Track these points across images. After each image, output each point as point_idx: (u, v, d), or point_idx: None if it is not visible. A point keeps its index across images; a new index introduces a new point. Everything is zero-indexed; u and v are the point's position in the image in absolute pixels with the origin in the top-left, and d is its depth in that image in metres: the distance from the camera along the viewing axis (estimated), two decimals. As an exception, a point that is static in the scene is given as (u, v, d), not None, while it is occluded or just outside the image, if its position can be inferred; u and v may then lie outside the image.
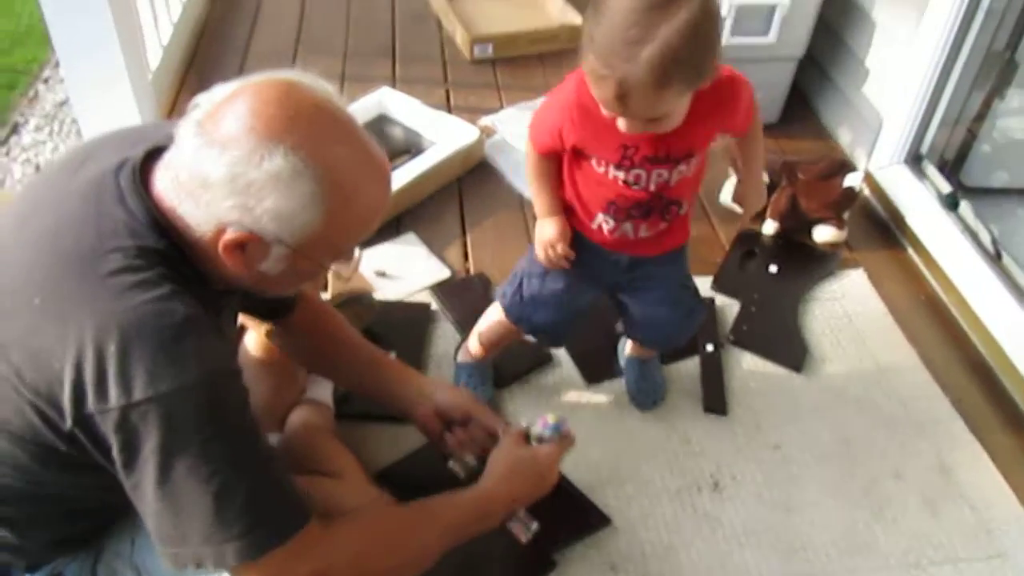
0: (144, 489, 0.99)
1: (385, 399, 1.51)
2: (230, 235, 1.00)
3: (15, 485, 1.09)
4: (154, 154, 1.07)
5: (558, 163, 1.46)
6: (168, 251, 1.02)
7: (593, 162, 1.38)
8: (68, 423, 0.97)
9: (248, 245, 1.02)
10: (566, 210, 1.50)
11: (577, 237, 1.51)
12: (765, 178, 2.31)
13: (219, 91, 1.03)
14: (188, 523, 0.99)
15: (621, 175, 1.37)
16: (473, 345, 1.79)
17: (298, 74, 1.06)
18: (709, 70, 1.18)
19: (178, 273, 1.02)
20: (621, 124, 1.25)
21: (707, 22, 1.13)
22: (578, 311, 1.68)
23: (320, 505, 1.14)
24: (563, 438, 1.39)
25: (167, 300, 0.98)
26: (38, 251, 1.02)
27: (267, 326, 1.50)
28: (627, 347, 1.87)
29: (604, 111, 1.25)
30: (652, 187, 1.39)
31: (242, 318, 1.48)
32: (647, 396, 1.84)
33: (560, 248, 1.50)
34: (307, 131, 0.99)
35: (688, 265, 1.64)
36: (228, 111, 0.99)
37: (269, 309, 1.44)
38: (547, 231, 1.51)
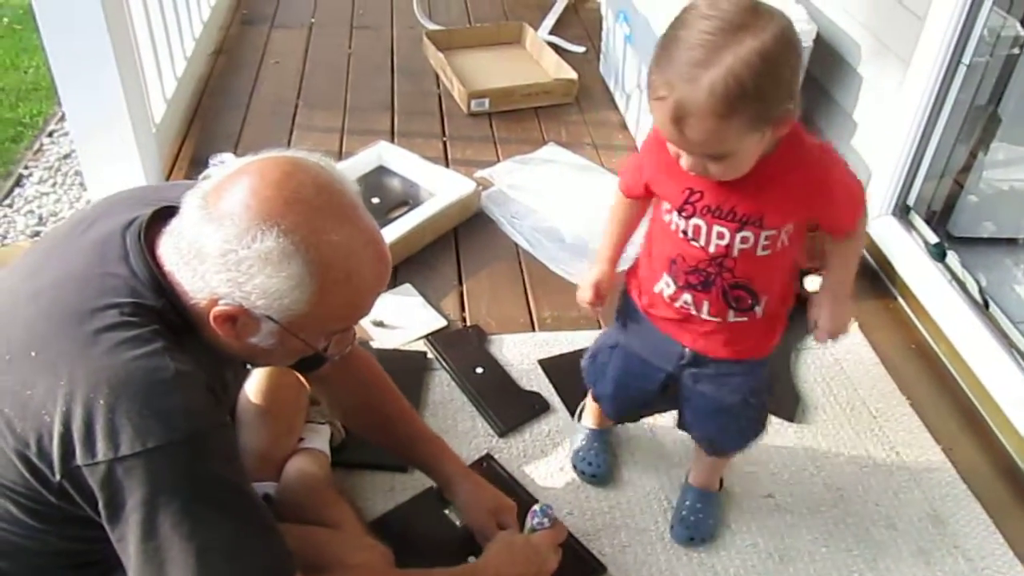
0: (128, 544, 1.00)
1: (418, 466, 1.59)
2: (220, 308, 1.03)
3: (11, 539, 1.09)
4: (163, 214, 1.10)
5: (635, 212, 1.45)
6: (165, 310, 1.05)
7: (663, 208, 1.33)
8: (57, 476, 0.98)
9: (238, 319, 1.04)
10: (637, 277, 1.47)
11: (642, 318, 1.47)
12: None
13: (229, 165, 1.07)
14: None
15: (681, 224, 1.29)
16: (591, 407, 1.75)
17: (306, 154, 1.09)
18: (778, 111, 1.10)
19: (173, 332, 1.04)
20: (683, 161, 1.18)
21: (782, 55, 1.06)
22: (642, 396, 1.58)
23: (316, 556, 1.15)
24: (556, 524, 1.48)
25: (158, 356, 1.00)
26: (39, 306, 1.04)
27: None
28: (690, 474, 1.72)
29: (667, 143, 1.18)
30: (711, 248, 1.28)
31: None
32: (691, 532, 1.65)
33: (585, 294, 1.48)
34: (303, 214, 1.01)
35: (764, 380, 1.49)
36: (230, 187, 1.02)
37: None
38: (585, 276, 1.50)
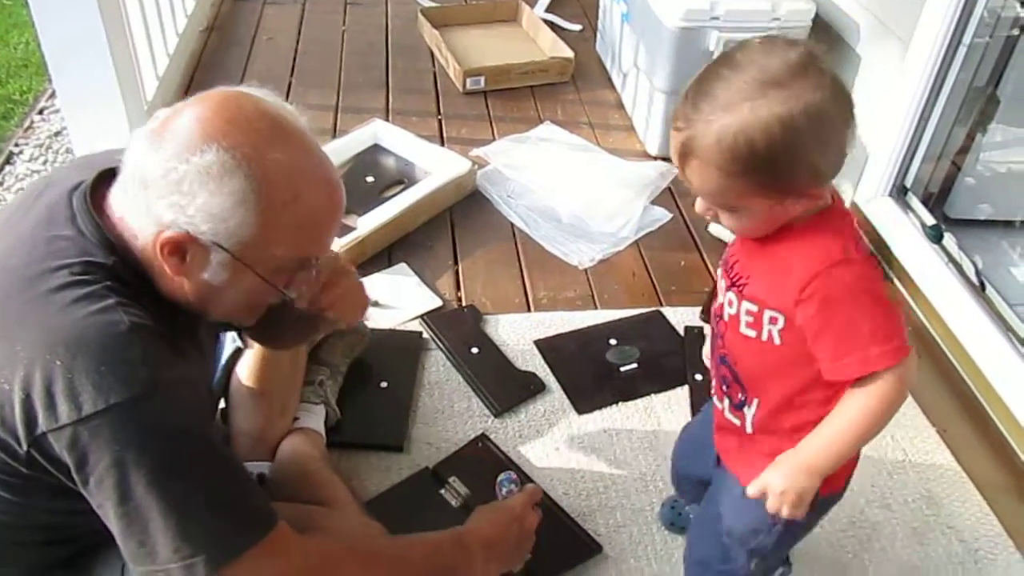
0: (107, 510, 0.99)
1: None
2: (167, 235, 1.00)
3: None
4: (110, 175, 1.09)
5: None
6: (116, 267, 1.03)
7: None
8: (24, 446, 0.96)
9: (188, 250, 1.02)
10: None
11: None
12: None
13: (177, 104, 1.05)
14: (154, 540, 0.99)
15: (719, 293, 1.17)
16: None
17: (255, 88, 1.08)
18: (794, 184, 0.98)
19: (127, 287, 1.02)
20: (696, 203, 1.09)
21: (811, 130, 0.94)
22: (694, 478, 1.46)
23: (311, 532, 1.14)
24: (525, 488, 1.51)
25: (111, 311, 0.98)
26: None
27: None
28: None
29: None
30: (725, 317, 1.15)
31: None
32: (675, 521, 1.64)
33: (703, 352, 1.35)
34: (244, 133, 1.00)
35: (756, 535, 1.24)
36: (174, 116, 1.02)
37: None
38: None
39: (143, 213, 1.02)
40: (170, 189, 0.99)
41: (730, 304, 1.13)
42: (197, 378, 1.08)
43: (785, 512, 1.07)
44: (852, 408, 1.04)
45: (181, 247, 1.02)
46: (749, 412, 1.17)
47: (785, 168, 0.96)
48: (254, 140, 1.00)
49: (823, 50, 0.99)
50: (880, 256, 2.44)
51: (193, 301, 1.10)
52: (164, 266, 1.03)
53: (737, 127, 0.94)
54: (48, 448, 0.96)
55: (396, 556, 1.26)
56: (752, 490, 1.09)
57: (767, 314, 1.08)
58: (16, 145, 3.11)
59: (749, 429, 1.19)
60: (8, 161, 3.03)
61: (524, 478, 1.68)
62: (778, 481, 1.06)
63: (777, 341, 1.08)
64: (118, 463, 0.95)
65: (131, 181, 1.02)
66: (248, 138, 1.00)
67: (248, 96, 1.05)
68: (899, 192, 2.48)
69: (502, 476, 1.57)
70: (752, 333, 1.10)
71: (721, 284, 1.17)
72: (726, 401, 1.21)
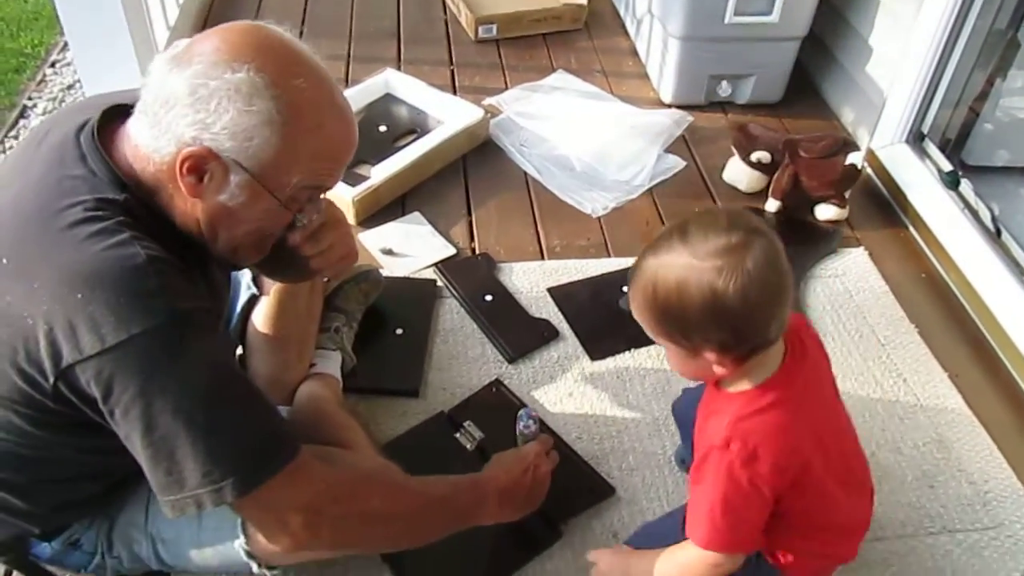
0: (134, 440, 1.00)
1: None
2: (188, 151, 1.01)
3: (15, 450, 1.11)
4: (116, 112, 1.10)
5: None
6: (129, 203, 1.04)
7: None
8: (50, 379, 0.98)
9: (207, 168, 1.03)
10: None
11: None
12: (765, 157, 2.34)
13: (199, 34, 1.07)
14: (182, 467, 1.00)
15: None
16: None
17: (271, 23, 1.09)
18: (681, 338, 1.09)
19: (140, 223, 1.03)
20: None
21: (699, 306, 1.03)
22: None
23: None
24: (541, 439, 1.54)
25: (126, 245, 0.99)
26: (3, 219, 1.04)
27: None
28: None
29: None
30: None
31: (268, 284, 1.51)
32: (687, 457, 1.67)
33: None
34: (273, 59, 1.02)
35: None
36: (198, 43, 1.03)
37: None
38: None
39: (163, 134, 1.03)
40: (196, 107, 1.00)
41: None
42: (213, 310, 1.09)
43: None
44: (676, 556, 1.22)
45: (201, 165, 1.03)
46: None
47: (675, 324, 1.07)
48: (282, 66, 1.02)
49: (764, 238, 1.04)
50: (895, 203, 2.43)
51: (205, 227, 1.11)
52: (180, 186, 1.04)
53: (652, 272, 1.06)
54: (74, 381, 0.98)
55: (416, 491, 1.29)
56: (591, 556, 1.35)
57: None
58: (29, 99, 3.12)
59: None
60: (22, 115, 3.04)
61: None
62: (603, 569, 1.31)
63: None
64: (143, 392, 0.97)
65: (152, 103, 1.03)
66: (276, 64, 1.02)
67: (272, 28, 1.07)
68: (916, 138, 2.46)
69: (521, 411, 1.59)
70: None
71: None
72: None
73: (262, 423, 1.08)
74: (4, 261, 1.00)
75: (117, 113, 1.10)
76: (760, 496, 1.13)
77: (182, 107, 1.00)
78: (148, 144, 1.04)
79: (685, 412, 1.52)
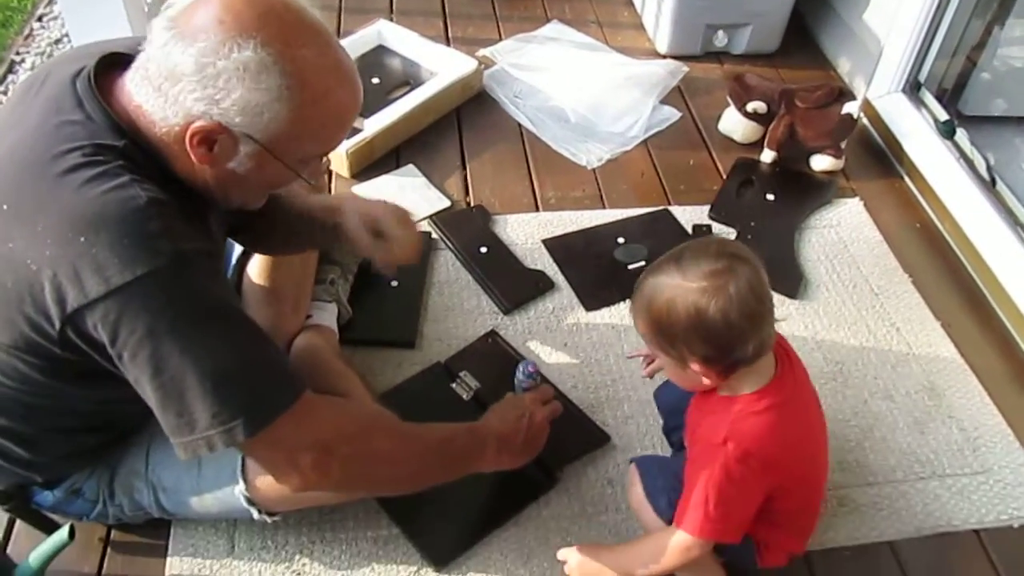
0: (143, 383, 1.01)
1: (317, 232, 1.46)
2: (198, 125, 1.01)
3: (21, 399, 1.12)
4: (111, 61, 1.09)
5: None
6: (127, 149, 1.03)
7: None
8: (57, 325, 0.98)
9: (217, 140, 1.02)
10: None
11: None
12: (761, 107, 2.33)
13: None
14: (192, 408, 1.01)
15: None
16: None
17: None
18: (672, 348, 1.19)
19: (139, 168, 1.03)
20: None
21: (682, 323, 1.14)
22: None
23: None
24: (539, 389, 1.54)
25: (127, 187, 0.98)
26: (1, 166, 1.03)
27: None
28: None
29: None
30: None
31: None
32: None
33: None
34: (277, 28, 1.00)
35: None
36: (199, 6, 1.00)
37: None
38: None
39: (169, 105, 1.01)
40: (204, 84, 0.99)
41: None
42: (214, 253, 1.09)
43: None
44: (651, 541, 1.28)
45: (211, 137, 1.02)
46: None
47: (665, 338, 1.18)
48: (286, 35, 1.00)
49: (749, 265, 1.15)
50: (891, 153, 2.43)
51: (214, 187, 1.11)
52: (190, 154, 1.04)
53: (649, 290, 1.18)
54: (81, 325, 0.98)
55: (416, 434, 1.30)
56: (561, 555, 1.37)
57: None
58: (17, 54, 3.08)
59: None
60: (10, 70, 3.00)
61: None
62: (578, 565, 1.34)
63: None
64: (151, 333, 0.97)
65: (156, 72, 1.01)
66: (281, 33, 0.99)
67: None
68: (912, 87, 2.44)
69: (520, 364, 1.61)
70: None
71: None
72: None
73: (268, 362, 1.08)
74: (4, 207, 0.99)
75: (113, 61, 1.09)
76: (751, 491, 1.21)
77: (189, 82, 0.99)
78: (154, 111, 1.03)
79: (667, 400, 1.58)
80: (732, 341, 1.14)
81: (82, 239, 0.95)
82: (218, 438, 1.02)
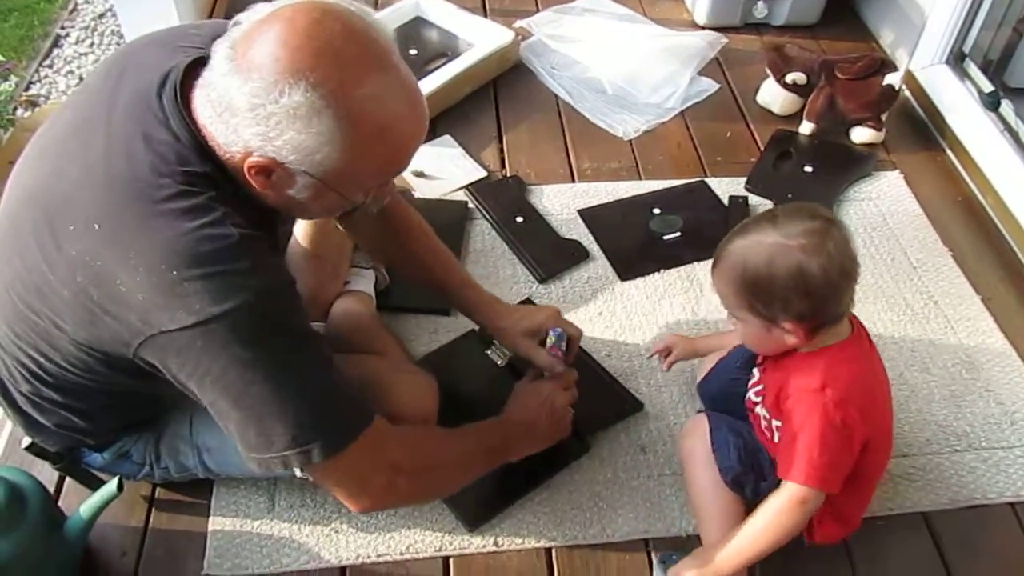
0: (222, 406, 1.04)
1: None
2: (254, 159, 1.01)
3: (84, 383, 1.15)
4: (195, 65, 1.07)
5: None
6: (214, 174, 1.04)
7: None
8: (136, 343, 1.01)
9: (273, 171, 1.03)
10: None
11: None
12: (800, 78, 2.30)
13: (259, 10, 1.02)
14: (271, 430, 1.04)
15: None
16: None
17: None
18: (767, 310, 1.20)
19: (225, 196, 1.04)
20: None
21: (788, 283, 1.15)
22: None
23: (362, 380, 1.20)
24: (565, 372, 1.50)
25: (219, 225, 1.00)
26: (93, 176, 1.04)
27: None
28: None
29: None
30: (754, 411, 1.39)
31: None
32: None
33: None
34: (333, 66, 0.96)
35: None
36: (258, 36, 0.98)
37: None
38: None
39: (230, 133, 1.02)
40: (257, 121, 0.98)
41: (751, 405, 1.39)
42: (295, 281, 1.11)
43: None
44: (758, 514, 1.26)
45: (268, 170, 1.03)
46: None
47: (762, 297, 1.19)
48: (342, 73, 0.97)
49: (841, 228, 1.19)
50: (932, 126, 2.39)
51: (279, 208, 1.14)
52: (251, 181, 1.05)
53: (741, 252, 1.20)
54: (160, 348, 1.00)
55: (462, 441, 1.35)
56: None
57: (773, 424, 1.32)
58: (62, 28, 3.13)
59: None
60: (55, 44, 3.05)
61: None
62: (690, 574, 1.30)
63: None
64: (236, 361, 1.00)
65: (217, 101, 1.01)
66: (336, 72, 0.96)
67: (336, 16, 0.99)
68: (956, 59, 2.40)
69: (550, 332, 1.54)
70: (767, 435, 1.35)
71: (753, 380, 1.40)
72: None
73: (342, 391, 1.11)
74: (96, 227, 1.01)
75: (194, 65, 1.08)
76: (850, 438, 1.22)
77: (244, 117, 0.99)
78: (218, 136, 1.03)
79: (711, 391, 1.58)
80: (828, 298, 1.18)
81: (174, 272, 0.97)
82: (294, 459, 1.06)
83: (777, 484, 1.26)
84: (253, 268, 1.01)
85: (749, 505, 1.34)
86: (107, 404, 1.25)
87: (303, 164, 1.01)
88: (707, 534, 1.39)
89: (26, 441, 1.33)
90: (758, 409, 1.37)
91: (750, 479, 1.35)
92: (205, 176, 1.04)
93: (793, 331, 1.20)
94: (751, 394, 1.39)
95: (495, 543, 1.47)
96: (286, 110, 0.96)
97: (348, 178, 1.06)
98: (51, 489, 1.46)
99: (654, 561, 1.45)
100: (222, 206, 1.02)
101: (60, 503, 1.48)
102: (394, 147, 1.06)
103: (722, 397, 1.51)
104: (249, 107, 0.97)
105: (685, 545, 1.45)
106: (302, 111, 0.96)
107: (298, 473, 1.28)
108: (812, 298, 1.17)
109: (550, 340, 1.50)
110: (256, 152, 1.01)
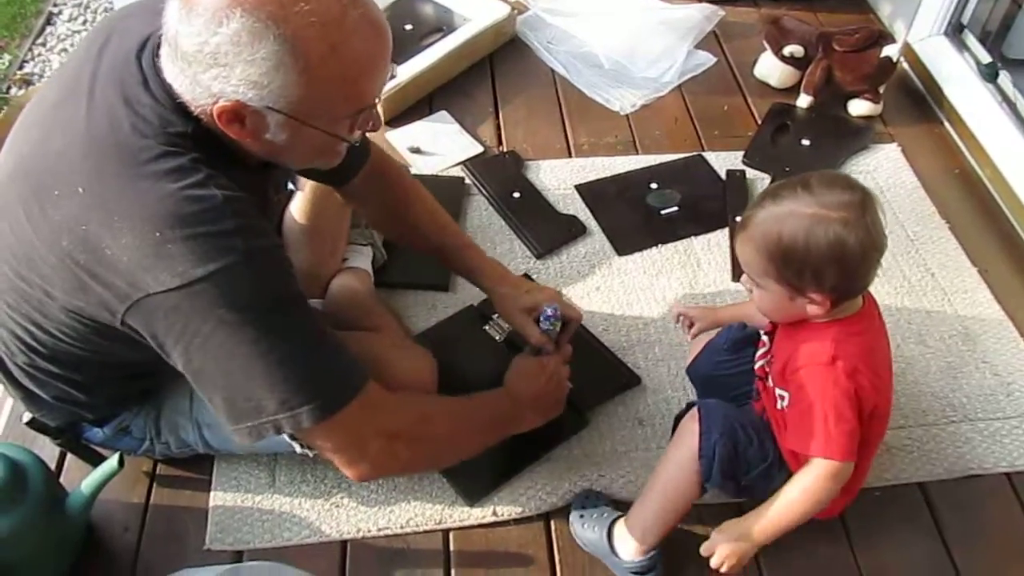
0: (210, 371, 1.03)
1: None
2: (221, 105, 0.98)
3: (79, 354, 1.15)
4: None
5: None
6: (197, 133, 1.03)
7: None
8: (122, 307, 1.00)
9: (243, 115, 1.00)
10: None
11: None
12: (798, 51, 2.28)
13: None
14: (261, 394, 1.03)
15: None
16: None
17: None
18: (800, 283, 1.17)
19: (209, 155, 1.03)
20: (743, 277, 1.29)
21: (824, 254, 1.13)
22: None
23: (360, 355, 1.20)
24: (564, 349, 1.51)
25: (203, 186, 0.99)
26: (75, 140, 1.03)
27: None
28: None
29: None
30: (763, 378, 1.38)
31: (304, 181, 1.52)
32: None
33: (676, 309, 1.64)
34: None
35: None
36: None
37: (328, 174, 1.38)
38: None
39: (193, 86, 1.00)
40: (208, 63, 0.96)
41: (763, 373, 1.36)
42: (283, 245, 1.09)
43: (724, 568, 1.29)
44: (787, 492, 1.25)
45: (238, 114, 1.00)
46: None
47: (793, 266, 1.16)
48: None
49: (876, 202, 1.16)
50: (930, 98, 2.38)
51: (266, 157, 1.11)
52: (226, 131, 1.03)
53: (776, 220, 1.16)
54: (146, 312, 1.00)
55: (468, 410, 1.34)
56: (704, 550, 1.30)
57: (777, 391, 1.30)
58: (55, 6, 3.10)
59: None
60: (49, 22, 3.03)
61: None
62: (725, 547, 1.27)
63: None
64: (222, 324, 0.99)
65: (174, 54, 1.00)
66: None
67: None
68: (955, 30, 2.39)
69: (545, 306, 1.52)
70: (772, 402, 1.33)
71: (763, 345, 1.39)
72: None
73: (334, 353, 1.10)
74: (81, 191, 1.00)
75: None
76: (861, 407, 1.22)
77: (198, 64, 0.97)
78: (184, 92, 1.02)
79: (701, 372, 1.58)
80: (860, 272, 1.17)
81: (158, 234, 0.96)
82: (285, 422, 1.04)
83: (758, 490, 1.32)
84: (237, 229, 0.99)
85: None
86: (103, 376, 1.25)
87: (264, 99, 0.97)
88: (648, 502, 1.37)
89: (27, 416, 1.34)
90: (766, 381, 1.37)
91: (729, 487, 1.35)
92: (188, 136, 1.02)
93: (820, 302, 1.19)
94: (759, 361, 1.38)
95: (494, 513, 1.48)
96: (228, 40, 0.93)
97: (316, 107, 1.01)
98: (52, 465, 1.47)
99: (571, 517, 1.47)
100: (207, 167, 1.01)
101: (61, 479, 1.49)
102: (352, 65, 1.00)
103: (711, 380, 1.53)
104: (197, 47, 0.95)
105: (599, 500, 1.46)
106: (243, 38, 0.93)
107: (298, 449, 1.30)
108: (845, 271, 1.15)
109: (542, 323, 1.49)
110: (221, 99, 0.98)
